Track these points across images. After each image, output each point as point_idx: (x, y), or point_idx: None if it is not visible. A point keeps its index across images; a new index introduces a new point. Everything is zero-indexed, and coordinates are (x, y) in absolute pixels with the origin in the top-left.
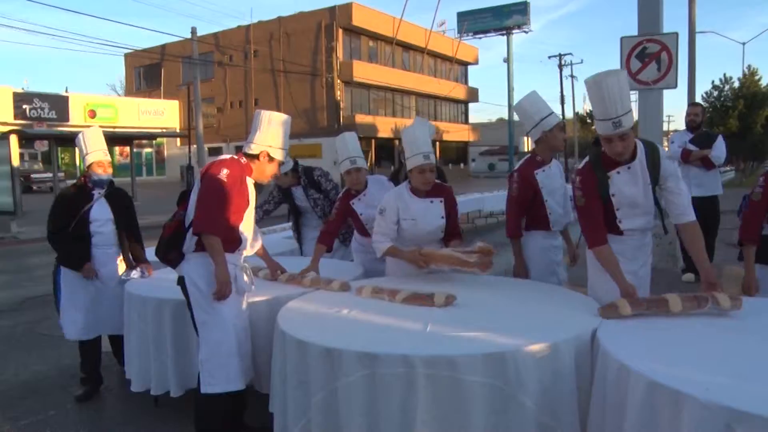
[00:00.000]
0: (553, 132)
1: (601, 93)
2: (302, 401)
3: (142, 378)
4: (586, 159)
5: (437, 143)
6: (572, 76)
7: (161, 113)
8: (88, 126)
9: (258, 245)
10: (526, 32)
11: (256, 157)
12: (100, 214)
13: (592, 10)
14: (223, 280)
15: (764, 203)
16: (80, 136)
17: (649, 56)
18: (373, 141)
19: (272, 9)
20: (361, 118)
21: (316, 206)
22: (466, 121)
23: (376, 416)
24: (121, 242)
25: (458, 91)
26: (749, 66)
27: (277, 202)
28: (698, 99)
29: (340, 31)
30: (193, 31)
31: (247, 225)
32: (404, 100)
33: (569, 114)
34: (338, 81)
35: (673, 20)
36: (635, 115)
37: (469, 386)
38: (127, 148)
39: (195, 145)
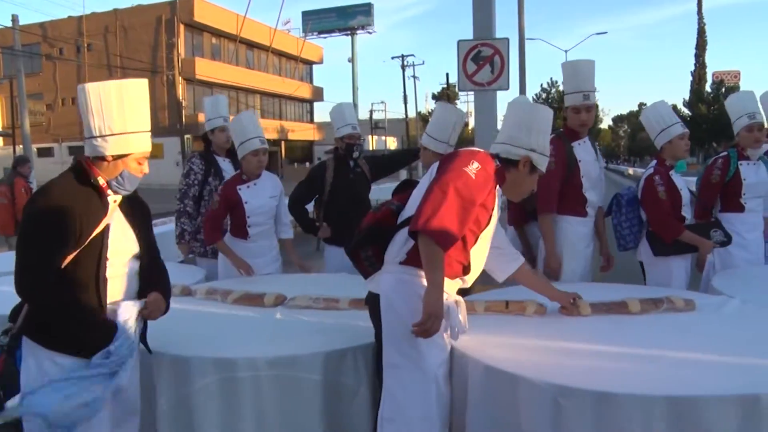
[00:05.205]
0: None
1: (576, 70)
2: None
3: None
4: (553, 135)
5: (282, 142)
6: (414, 77)
7: None
8: None
9: None
10: (370, 33)
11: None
12: (124, 242)
13: (433, 14)
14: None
15: (669, 200)
16: (93, 91)
17: (484, 59)
18: None
19: (107, 0)
20: (204, 118)
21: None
22: (312, 120)
23: (228, 420)
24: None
25: (303, 90)
26: None
27: (203, 179)
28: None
29: (182, 26)
30: (14, 18)
31: None
32: (248, 98)
33: (412, 113)
34: (180, 79)
35: (505, 27)
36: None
37: (311, 384)
38: None
39: (21, 146)
